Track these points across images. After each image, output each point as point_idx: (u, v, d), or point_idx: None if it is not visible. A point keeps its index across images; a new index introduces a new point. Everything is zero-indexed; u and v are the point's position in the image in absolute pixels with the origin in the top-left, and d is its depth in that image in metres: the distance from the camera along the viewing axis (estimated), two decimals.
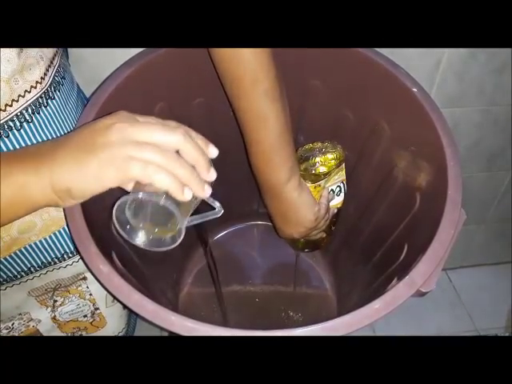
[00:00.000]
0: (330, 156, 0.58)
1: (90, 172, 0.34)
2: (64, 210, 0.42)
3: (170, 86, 0.56)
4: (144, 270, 0.56)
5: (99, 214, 0.46)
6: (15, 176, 0.34)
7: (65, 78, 0.50)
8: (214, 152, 0.38)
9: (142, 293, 0.37)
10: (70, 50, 0.60)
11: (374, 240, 0.63)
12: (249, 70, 0.45)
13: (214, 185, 0.39)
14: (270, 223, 0.64)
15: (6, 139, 0.43)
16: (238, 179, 0.63)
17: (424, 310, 1.14)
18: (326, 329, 0.36)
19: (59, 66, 0.49)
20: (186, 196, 0.35)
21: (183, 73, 0.54)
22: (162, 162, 0.34)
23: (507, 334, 1.12)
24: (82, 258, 0.39)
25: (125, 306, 0.42)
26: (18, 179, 0.34)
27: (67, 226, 0.41)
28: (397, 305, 0.38)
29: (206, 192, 0.37)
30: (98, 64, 0.64)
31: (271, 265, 0.70)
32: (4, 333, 0.57)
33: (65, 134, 0.49)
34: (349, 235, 0.71)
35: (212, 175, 0.37)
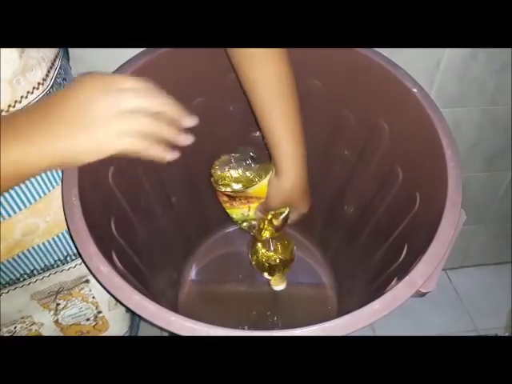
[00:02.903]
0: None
1: (85, 148, 0.36)
2: (64, 210, 0.42)
3: (169, 86, 0.56)
4: (144, 271, 0.56)
5: (99, 215, 0.47)
6: (7, 152, 0.34)
7: (66, 80, 0.50)
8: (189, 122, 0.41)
9: (141, 293, 0.37)
10: (69, 50, 0.60)
11: (373, 240, 0.63)
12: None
13: None
14: None
15: None
16: None
17: (424, 310, 1.14)
18: (325, 329, 0.36)
19: (60, 67, 0.49)
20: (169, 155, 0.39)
21: (183, 73, 0.54)
22: (149, 129, 0.37)
23: (507, 334, 1.12)
24: (81, 258, 0.39)
25: (125, 307, 0.42)
26: (11, 155, 0.34)
27: (67, 226, 0.41)
28: (397, 305, 0.37)
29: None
30: (98, 64, 0.64)
31: None
32: None
33: None
34: (349, 235, 0.71)
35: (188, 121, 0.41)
